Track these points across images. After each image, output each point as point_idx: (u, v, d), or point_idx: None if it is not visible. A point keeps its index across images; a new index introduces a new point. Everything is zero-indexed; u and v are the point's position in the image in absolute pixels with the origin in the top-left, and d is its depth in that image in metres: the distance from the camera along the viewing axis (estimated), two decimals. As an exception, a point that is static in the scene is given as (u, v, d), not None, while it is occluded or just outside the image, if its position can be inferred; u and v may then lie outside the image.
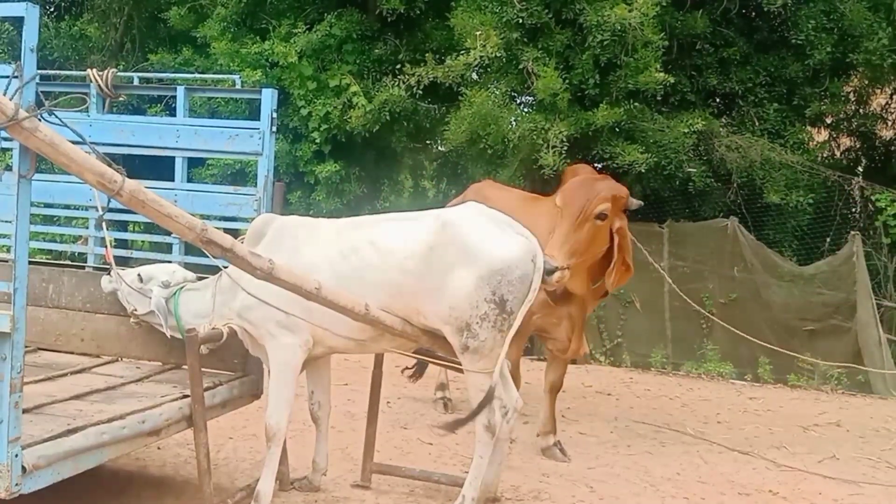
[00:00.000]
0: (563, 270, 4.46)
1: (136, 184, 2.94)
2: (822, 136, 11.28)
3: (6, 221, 2.70)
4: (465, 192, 6.28)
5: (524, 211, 5.25)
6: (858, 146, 11.56)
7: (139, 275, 4.20)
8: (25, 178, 2.65)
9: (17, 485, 2.72)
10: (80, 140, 2.89)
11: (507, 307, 3.71)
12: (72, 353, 4.46)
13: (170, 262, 4.58)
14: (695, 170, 9.00)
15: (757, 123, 9.56)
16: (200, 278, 4.29)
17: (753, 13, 9.90)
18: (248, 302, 3.85)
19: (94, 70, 4.73)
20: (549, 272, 4.22)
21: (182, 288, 4.19)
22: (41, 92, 2.90)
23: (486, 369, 3.80)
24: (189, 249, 4.28)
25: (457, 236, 3.76)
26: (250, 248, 3.84)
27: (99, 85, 4.64)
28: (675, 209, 9.84)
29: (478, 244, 3.74)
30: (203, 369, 3.84)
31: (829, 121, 10.93)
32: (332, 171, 9.76)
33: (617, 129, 8.73)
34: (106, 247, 4.36)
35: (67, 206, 5.15)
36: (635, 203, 4.97)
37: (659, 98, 8.73)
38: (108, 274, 4.30)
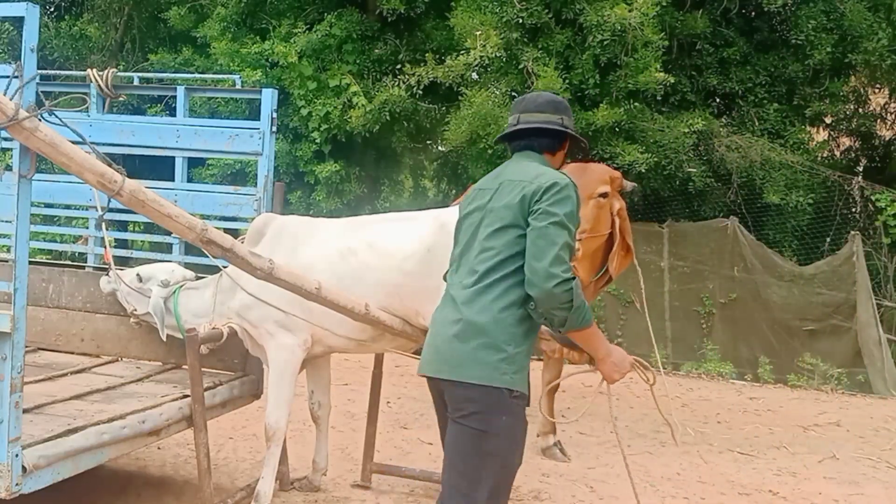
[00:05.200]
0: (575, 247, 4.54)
1: (137, 184, 2.94)
2: (821, 136, 11.28)
3: (6, 221, 2.69)
4: (465, 192, 6.28)
5: None
6: (858, 146, 11.57)
7: (138, 274, 4.19)
8: (26, 178, 2.65)
9: (17, 485, 2.72)
10: (80, 140, 2.89)
11: None
12: (72, 353, 4.45)
13: (169, 261, 4.58)
14: (695, 170, 9.00)
15: (757, 123, 9.56)
16: (199, 277, 4.29)
17: (753, 13, 9.91)
18: (247, 301, 3.85)
19: (94, 70, 4.72)
20: None
21: (181, 287, 4.19)
22: (41, 92, 2.90)
23: None
24: (189, 249, 4.27)
25: None
26: (250, 247, 3.84)
27: (99, 85, 4.64)
28: (675, 209, 9.84)
29: None
30: (203, 369, 3.84)
31: (828, 121, 10.94)
32: (332, 171, 9.76)
33: (617, 129, 8.73)
34: (105, 247, 4.36)
35: (67, 206, 5.15)
36: (629, 185, 5.07)
37: (659, 98, 8.73)
38: (107, 274, 4.29)
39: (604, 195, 4.81)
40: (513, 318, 2.57)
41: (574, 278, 2.47)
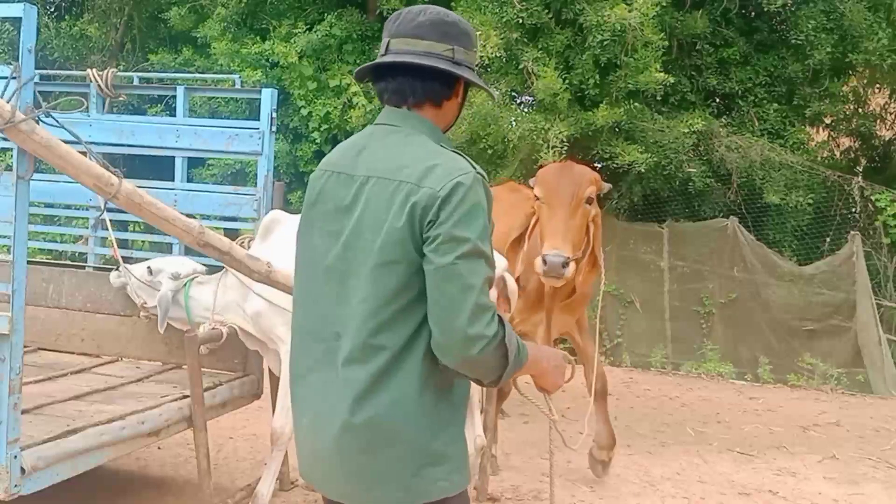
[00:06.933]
0: (573, 262, 4.16)
1: (133, 186, 2.94)
2: (821, 136, 11.28)
3: (5, 222, 2.69)
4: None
5: (525, 211, 5.13)
6: (858, 146, 11.56)
7: (149, 267, 4.18)
8: (23, 179, 2.65)
9: (16, 486, 2.72)
10: (77, 142, 2.89)
11: None
12: (72, 353, 4.46)
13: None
14: (695, 170, 9.00)
15: (757, 123, 9.55)
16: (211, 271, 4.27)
17: (753, 13, 9.90)
18: (259, 304, 3.84)
19: (94, 70, 4.73)
20: (563, 264, 4.06)
21: (192, 280, 4.17)
22: (41, 92, 2.91)
23: None
24: (189, 249, 4.27)
25: None
26: (259, 244, 3.85)
27: (99, 85, 4.64)
28: (675, 209, 9.84)
29: None
30: (203, 369, 3.84)
31: (828, 121, 10.93)
32: (333, 172, 9.74)
33: (617, 129, 8.73)
34: (112, 244, 4.36)
35: (68, 206, 5.16)
36: (607, 187, 4.72)
37: (659, 98, 8.72)
38: (117, 269, 4.29)
39: (591, 200, 4.36)
40: (432, 401, 1.80)
41: (502, 326, 1.74)
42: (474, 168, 1.80)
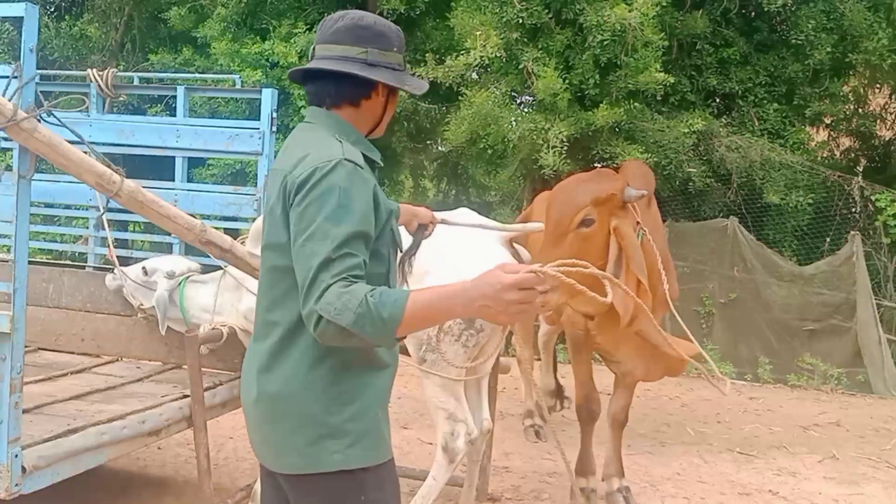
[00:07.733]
0: (547, 294, 3.85)
1: (135, 184, 2.94)
2: (821, 136, 11.28)
3: (6, 221, 2.69)
4: (534, 201, 5.88)
5: None
6: (858, 146, 11.57)
7: (143, 268, 4.18)
8: (25, 178, 2.65)
9: (16, 485, 2.72)
10: (78, 140, 2.89)
11: (475, 324, 3.63)
12: (72, 353, 4.45)
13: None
14: (695, 170, 9.00)
15: (757, 123, 9.56)
16: (206, 271, 4.27)
17: (753, 13, 9.90)
18: (252, 303, 3.84)
19: (95, 70, 4.73)
20: None
21: (187, 279, 4.16)
22: (41, 92, 2.90)
23: (443, 384, 3.69)
24: (189, 249, 4.27)
25: (436, 246, 3.61)
26: (252, 247, 3.84)
27: (99, 85, 4.64)
28: (675, 209, 9.83)
29: (453, 258, 3.56)
30: (203, 369, 3.84)
31: (828, 121, 10.93)
32: (332, 172, 9.74)
33: (617, 129, 8.73)
34: (109, 245, 4.36)
35: (67, 207, 5.16)
36: (635, 194, 4.05)
37: (659, 98, 8.73)
38: (112, 272, 4.28)
39: (587, 223, 3.92)
40: (327, 378, 1.90)
41: (322, 297, 1.72)
42: (343, 156, 1.87)
